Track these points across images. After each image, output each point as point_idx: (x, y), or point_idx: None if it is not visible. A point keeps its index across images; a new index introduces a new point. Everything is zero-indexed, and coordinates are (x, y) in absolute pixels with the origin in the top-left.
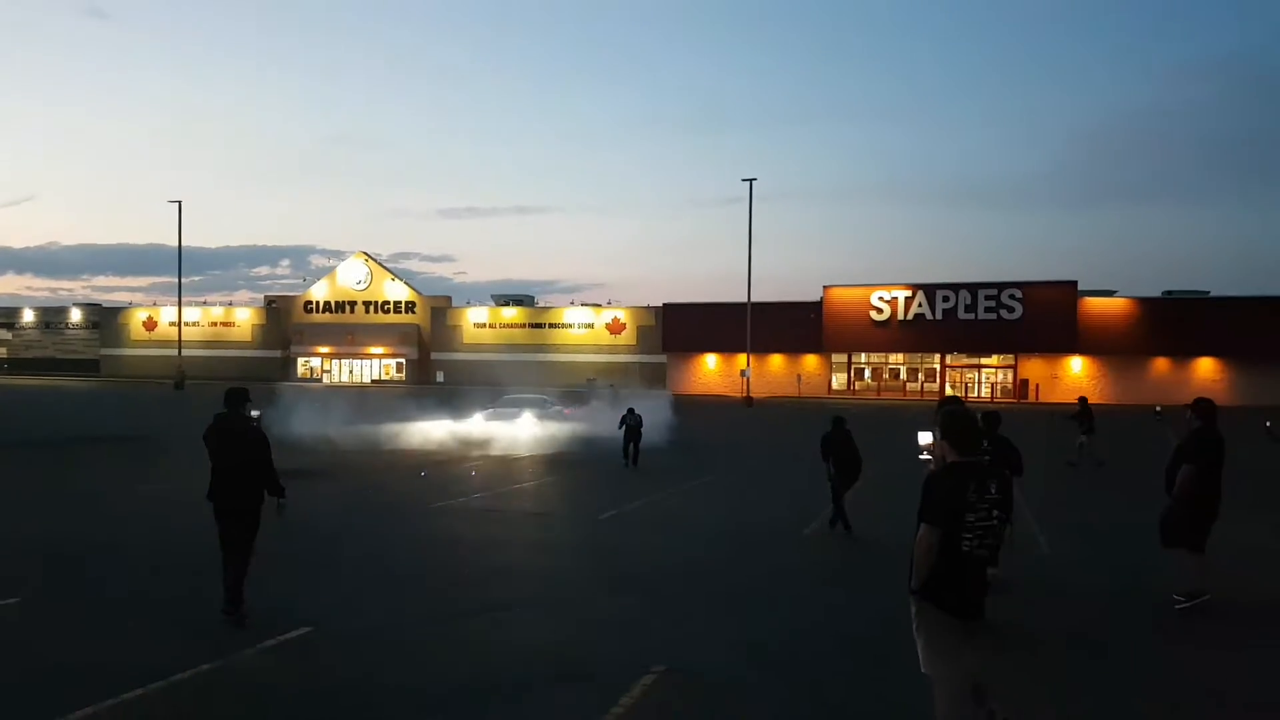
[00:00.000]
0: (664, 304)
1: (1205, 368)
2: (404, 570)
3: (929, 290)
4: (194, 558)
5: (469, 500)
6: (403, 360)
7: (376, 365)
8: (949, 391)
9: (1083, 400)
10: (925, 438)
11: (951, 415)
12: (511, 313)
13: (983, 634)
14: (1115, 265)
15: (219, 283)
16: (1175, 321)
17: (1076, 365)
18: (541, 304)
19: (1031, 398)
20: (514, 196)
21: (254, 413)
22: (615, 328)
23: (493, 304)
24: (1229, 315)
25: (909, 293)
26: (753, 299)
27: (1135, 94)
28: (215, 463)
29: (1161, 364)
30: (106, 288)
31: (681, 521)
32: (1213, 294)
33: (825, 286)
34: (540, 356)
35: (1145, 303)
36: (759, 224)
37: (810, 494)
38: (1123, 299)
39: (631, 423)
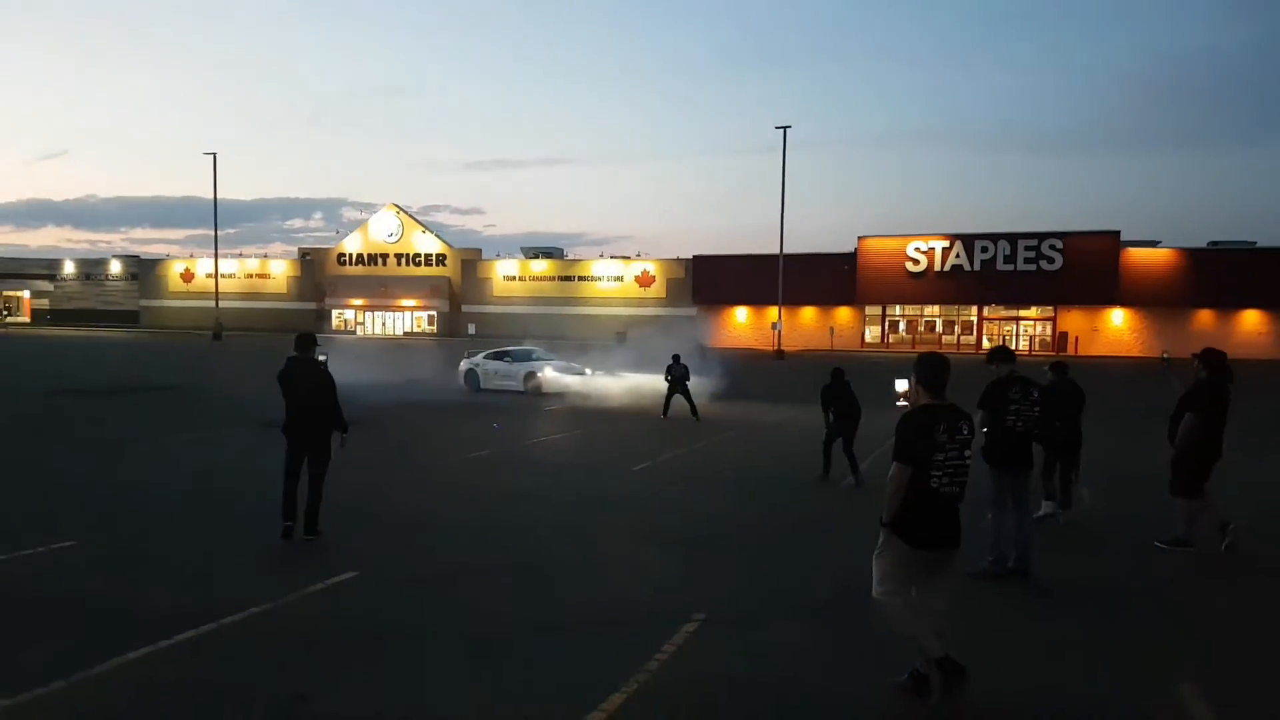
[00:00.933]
0: (694, 256)
1: (1250, 320)
2: (443, 519)
3: (967, 240)
4: (240, 503)
5: (504, 449)
6: (434, 313)
7: (408, 318)
8: (986, 344)
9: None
10: (901, 385)
11: (924, 360)
12: (541, 265)
13: (946, 567)
14: (1161, 215)
15: (253, 235)
16: (1220, 273)
17: (1118, 317)
18: (570, 257)
19: (1071, 350)
20: (542, 148)
21: (322, 356)
22: (645, 280)
23: (522, 257)
24: (1275, 266)
25: (946, 243)
26: (785, 250)
27: (1185, 35)
28: (288, 400)
29: (1205, 316)
30: (143, 240)
31: (719, 471)
32: (1259, 244)
33: (860, 237)
34: (570, 309)
35: (1190, 253)
36: (793, 172)
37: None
38: (1166, 249)
39: (677, 373)
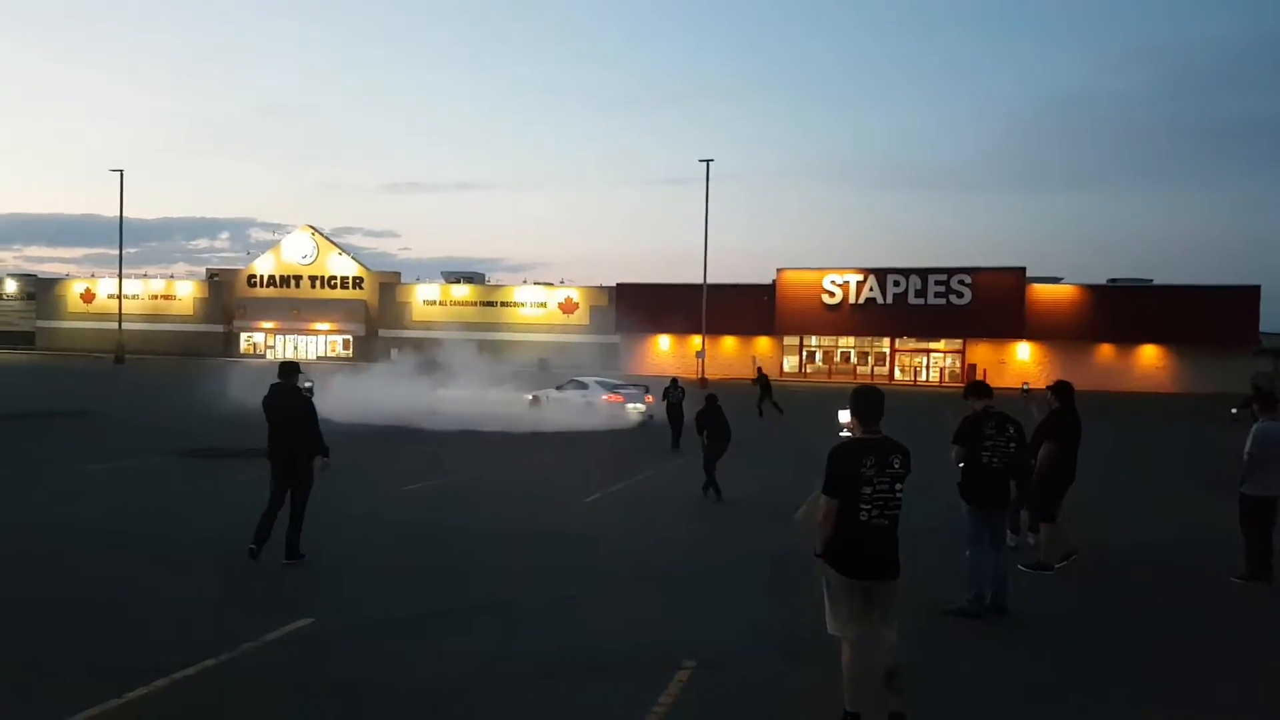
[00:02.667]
0: (617, 284)
1: (1148, 354)
2: (401, 560)
3: (880, 274)
4: (175, 542)
5: (441, 481)
6: (349, 337)
7: (323, 341)
8: (899, 375)
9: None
10: (844, 416)
11: (856, 393)
12: (462, 290)
13: (885, 596)
14: (1061, 251)
15: (156, 255)
16: (1120, 309)
17: (1024, 350)
18: (492, 282)
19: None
20: (458, 172)
21: (307, 384)
22: (568, 307)
23: (443, 281)
24: (1171, 303)
25: (860, 276)
26: (707, 280)
27: (1070, 81)
28: (271, 424)
29: (1106, 350)
30: (39, 258)
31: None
32: (1155, 282)
33: (779, 269)
34: (492, 335)
35: (1091, 290)
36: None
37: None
38: (1069, 285)
39: (674, 397)
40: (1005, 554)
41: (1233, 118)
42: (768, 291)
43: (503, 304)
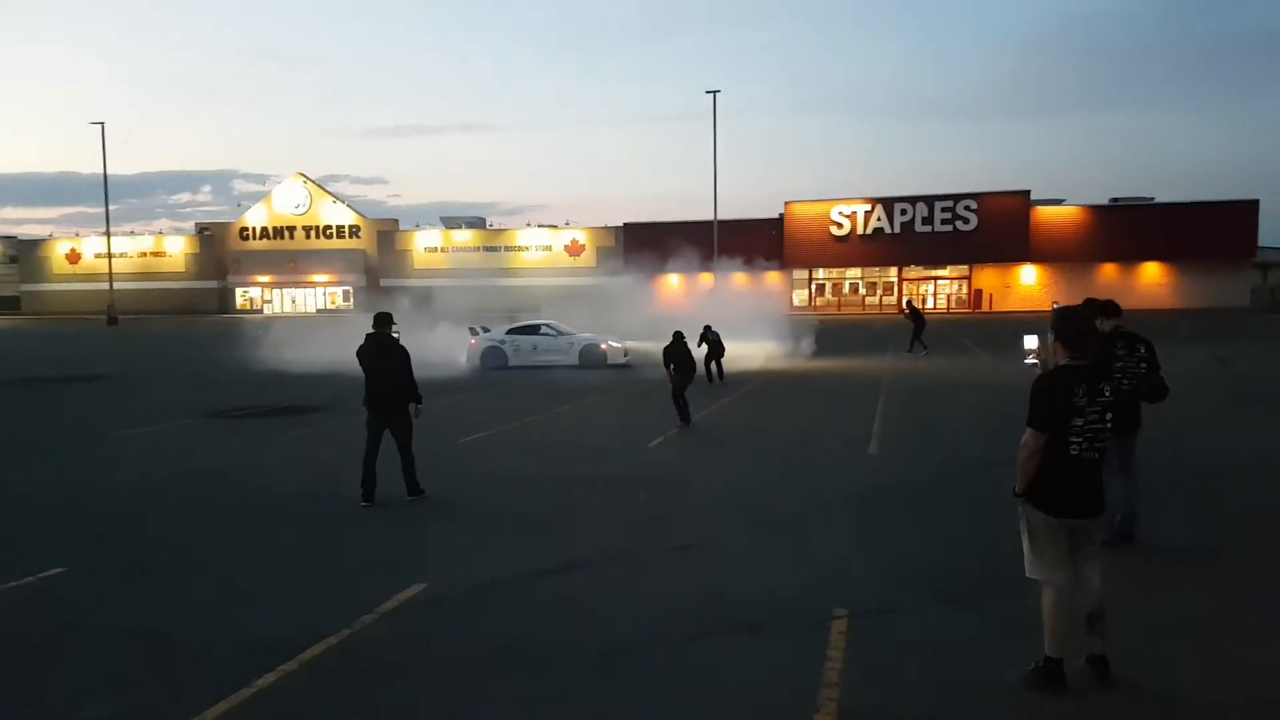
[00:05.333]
0: (624, 224)
1: (1150, 272)
2: (492, 514)
3: (887, 203)
4: (247, 504)
5: (500, 430)
6: (349, 288)
7: (321, 294)
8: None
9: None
10: (1031, 341)
11: (1061, 313)
12: (464, 235)
13: (1090, 533)
14: (1065, 174)
15: (137, 212)
16: (1122, 228)
17: (1029, 274)
18: (494, 226)
19: (985, 307)
20: (449, 114)
21: (396, 333)
22: (574, 249)
23: (443, 227)
24: (1172, 220)
25: (868, 206)
26: (708, 216)
27: (1068, 2)
28: (368, 372)
29: (1109, 269)
30: (15, 219)
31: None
32: (1156, 200)
33: (786, 202)
34: (497, 281)
35: (1093, 210)
36: (704, 138)
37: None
38: (1072, 207)
39: (710, 338)
40: (1136, 480)
41: (1233, 33)
42: (775, 226)
43: (506, 248)
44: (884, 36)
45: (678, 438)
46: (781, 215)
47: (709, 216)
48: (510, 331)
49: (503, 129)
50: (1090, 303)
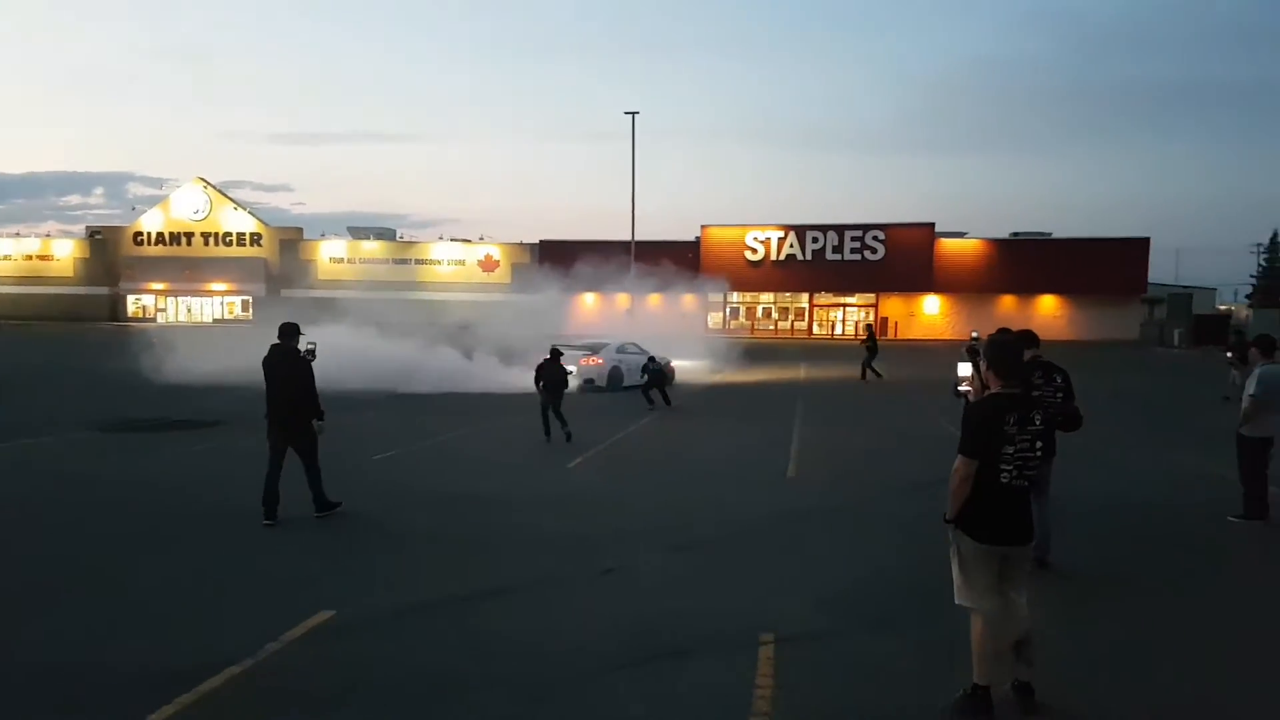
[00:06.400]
0: (540, 240)
1: (1047, 304)
2: (406, 534)
3: (800, 231)
4: (153, 523)
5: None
6: (249, 297)
7: (219, 303)
8: (816, 330)
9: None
10: (964, 369)
11: (994, 343)
12: (373, 246)
13: (1019, 561)
14: (968, 208)
15: (24, 213)
16: (1021, 261)
17: (932, 303)
18: (405, 238)
19: (891, 335)
20: (359, 123)
21: (309, 345)
22: (488, 265)
23: (350, 237)
24: (1068, 255)
25: (782, 233)
26: (625, 236)
27: (976, 45)
28: (269, 385)
29: (1008, 300)
30: None
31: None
32: (1054, 235)
33: (703, 225)
34: (406, 295)
35: (994, 243)
36: (624, 158)
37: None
38: (974, 240)
39: (652, 369)
40: (1048, 506)
41: (1127, 80)
42: (692, 248)
43: (417, 261)
44: (801, 71)
45: (598, 457)
46: (698, 238)
47: (627, 236)
48: (619, 351)
49: (415, 140)
50: (1005, 332)
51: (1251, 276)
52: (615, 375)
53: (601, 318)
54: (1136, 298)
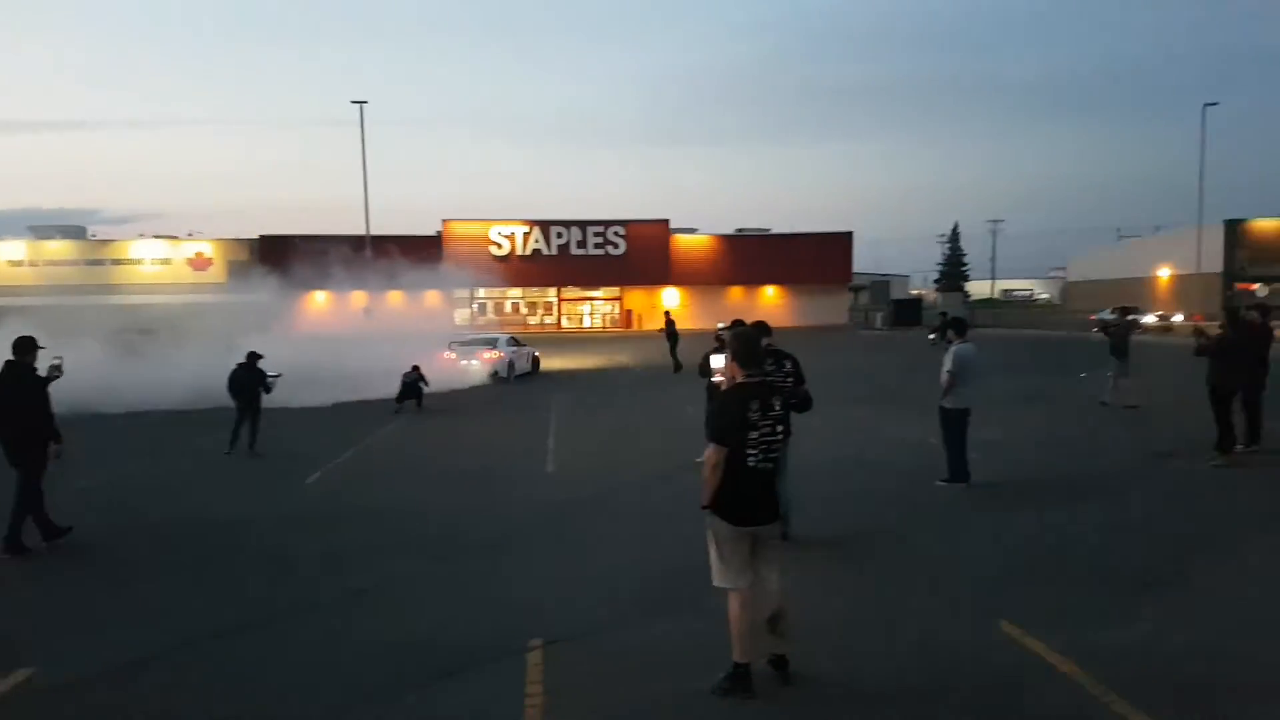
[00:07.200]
0: (260, 236)
1: (769, 294)
2: (118, 562)
3: (544, 226)
4: None
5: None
6: None
7: None
8: (565, 323)
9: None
10: (717, 361)
11: (735, 335)
12: (59, 246)
13: (769, 539)
14: (698, 204)
15: None
16: (745, 255)
17: (671, 295)
18: (97, 236)
19: (636, 327)
20: (40, 111)
21: (55, 360)
22: (199, 263)
23: (32, 237)
24: (785, 249)
25: (526, 228)
26: (359, 231)
27: (705, 47)
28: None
29: (737, 291)
30: None
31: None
32: (773, 230)
33: (444, 220)
34: (104, 299)
35: (722, 239)
36: (355, 150)
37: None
38: (704, 236)
39: (407, 380)
40: (788, 483)
41: (838, 83)
42: (434, 243)
43: (114, 261)
44: (538, 63)
45: (340, 468)
46: (439, 233)
47: (361, 230)
48: (510, 344)
49: (107, 128)
50: (740, 323)
51: (937, 264)
52: (511, 367)
53: (335, 317)
54: (844, 286)
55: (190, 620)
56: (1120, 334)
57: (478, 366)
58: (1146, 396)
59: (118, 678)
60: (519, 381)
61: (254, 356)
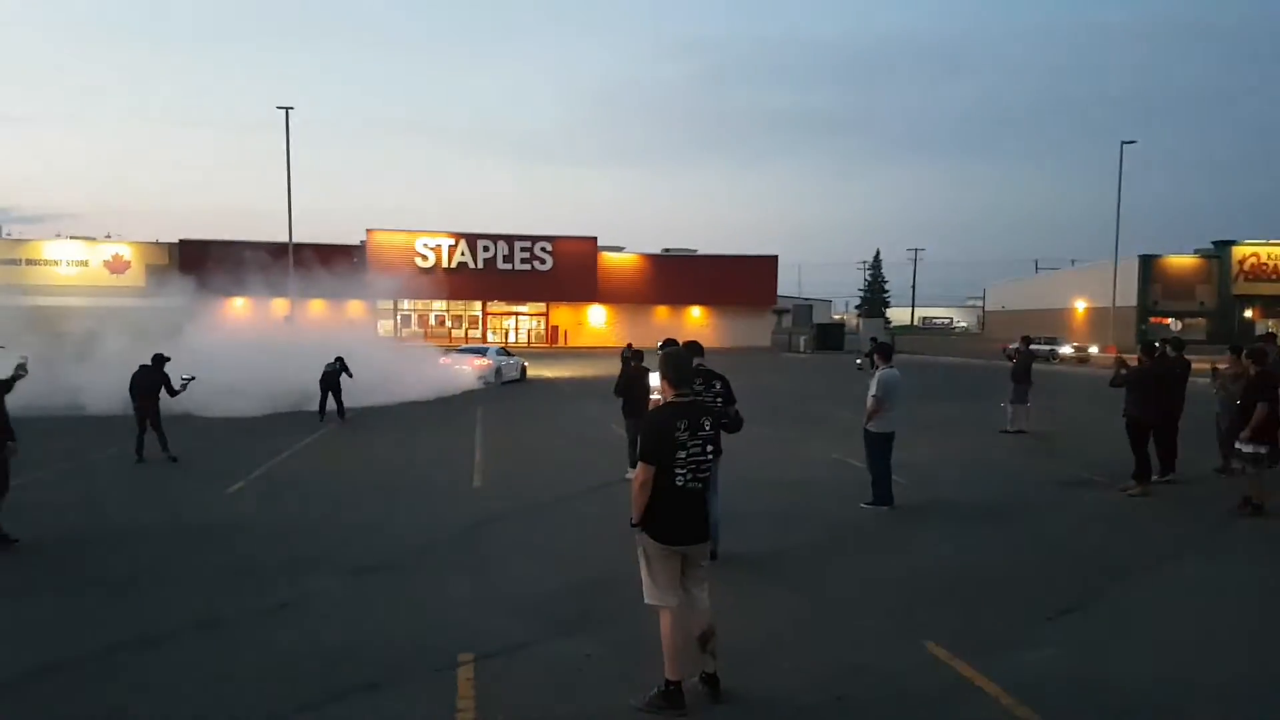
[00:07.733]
0: (180, 240)
1: (695, 314)
2: (21, 574)
3: (470, 239)
4: None
5: None
6: None
7: None
8: (491, 339)
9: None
10: (655, 379)
11: (665, 356)
12: None
13: (697, 558)
14: (626, 222)
15: None
16: (672, 275)
17: (598, 313)
18: (9, 236)
19: (562, 343)
20: None
21: (21, 359)
22: (117, 266)
23: None
24: (711, 270)
25: (452, 240)
26: (282, 238)
27: (632, 66)
28: None
29: (663, 311)
30: None
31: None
32: (700, 251)
33: (369, 229)
34: (14, 302)
35: (649, 258)
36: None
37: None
38: (632, 255)
39: (330, 369)
40: (717, 502)
41: (766, 109)
42: (357, 253)
43: (27, 262)
44: (465, 73)
45: (264, 478)
46: (364, 242)
47: (284, 238)
48: (498, 354)
49: (19, 123)
50: (672, 343)
51: (859, 290)
52: (498, 373)
53: (254, 326)
54: (768, 308)
55: (99, 634)
56: (1022, 363)
57: (469, 371)
58: (1060, 424)
59: (23, 687)
60: (504, 387)
61: (159, 359)
